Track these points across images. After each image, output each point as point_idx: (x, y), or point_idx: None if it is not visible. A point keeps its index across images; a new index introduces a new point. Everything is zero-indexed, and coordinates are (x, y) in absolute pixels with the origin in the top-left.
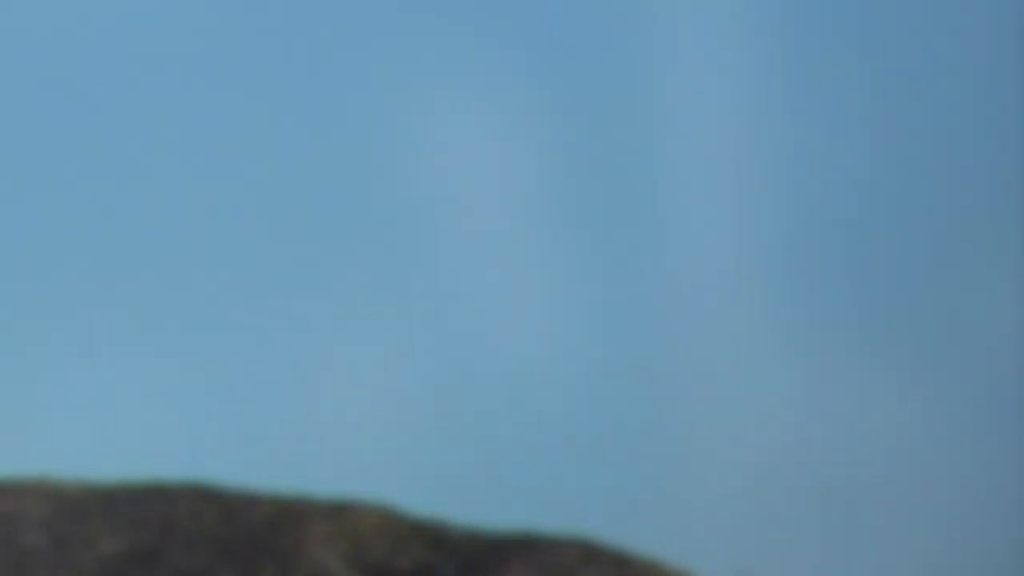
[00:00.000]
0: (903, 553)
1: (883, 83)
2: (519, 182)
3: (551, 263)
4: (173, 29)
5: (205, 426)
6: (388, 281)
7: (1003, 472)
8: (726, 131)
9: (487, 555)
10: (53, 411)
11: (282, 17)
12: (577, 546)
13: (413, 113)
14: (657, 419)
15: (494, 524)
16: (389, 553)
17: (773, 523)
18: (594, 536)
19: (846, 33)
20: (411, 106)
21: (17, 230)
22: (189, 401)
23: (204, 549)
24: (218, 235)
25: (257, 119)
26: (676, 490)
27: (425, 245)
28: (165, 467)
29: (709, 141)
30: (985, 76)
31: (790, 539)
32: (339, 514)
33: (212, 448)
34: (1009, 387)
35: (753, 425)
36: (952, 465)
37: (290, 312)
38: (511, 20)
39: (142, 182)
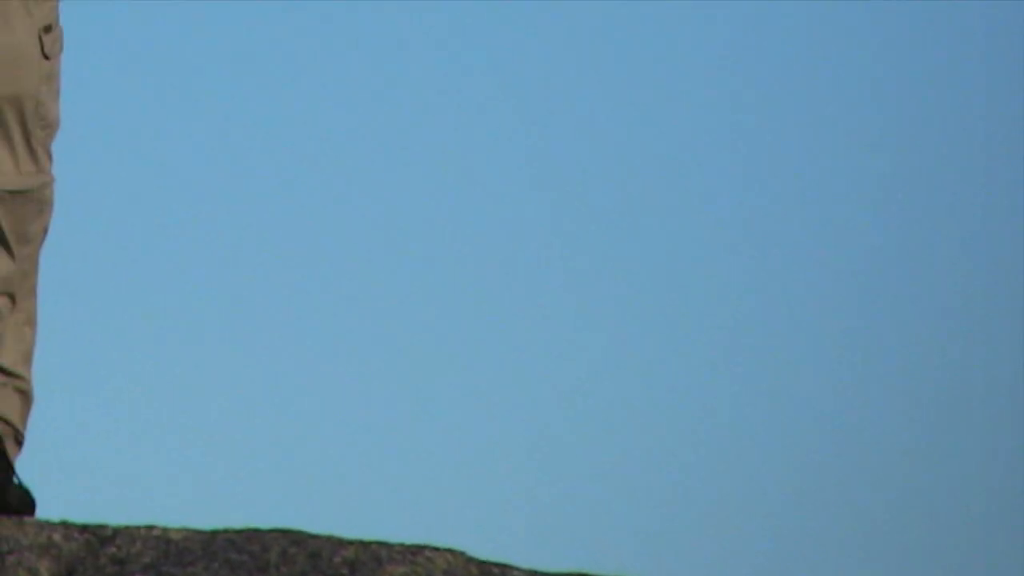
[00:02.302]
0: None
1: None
2: None
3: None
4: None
5: (296, 475)
6: (460, 325)
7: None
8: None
9: None
10: (159, 464)
11: None
12: None
13: None
14: (722, 463)
15: (555, 566)
16: None
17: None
18: None
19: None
20: None
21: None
22: (281, 452)
23: None
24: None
25: None
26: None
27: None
28: (259, 514)
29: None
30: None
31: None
32: (414, 556)
33: (301, 495)
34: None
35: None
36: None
37: (369, 367)
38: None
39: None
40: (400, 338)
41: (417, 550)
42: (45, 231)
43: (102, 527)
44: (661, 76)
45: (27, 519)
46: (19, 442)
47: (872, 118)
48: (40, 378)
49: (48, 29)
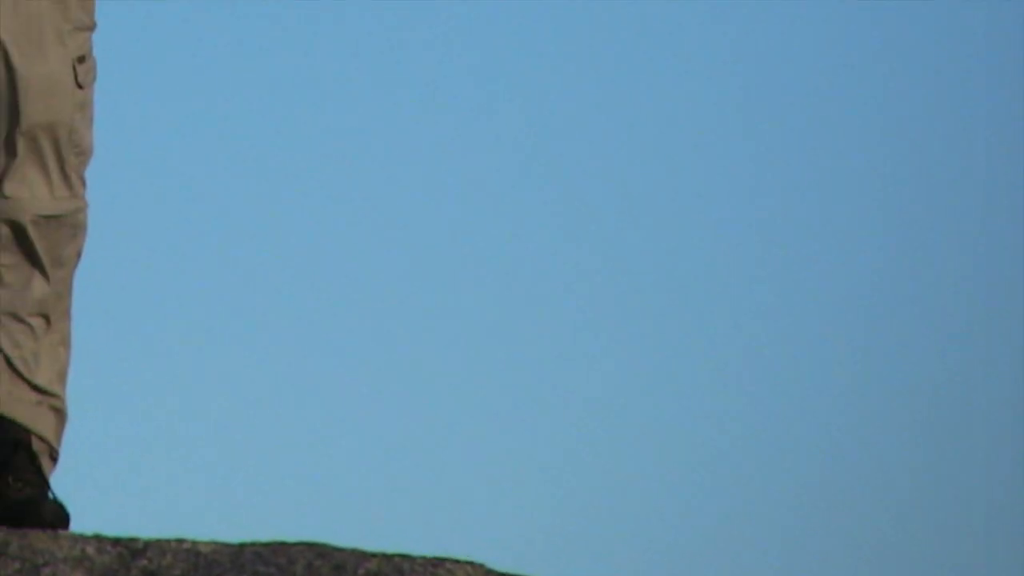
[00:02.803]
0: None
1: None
2: None
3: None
4: None
5: (321, 490)
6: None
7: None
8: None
9: None
10: (189, 479)
11: None
12: None
13: None
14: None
15: None
16: None
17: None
18: None
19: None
20: None
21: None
22: (307, 468)
23: None
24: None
25: None
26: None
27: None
28: (285, 528)
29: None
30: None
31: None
32: (435, 568)
33: (326, 509)
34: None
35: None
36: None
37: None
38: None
39: None
40: (423, 355)
41: (438, 562)
42: (79, 255)
43: (134, 540)
44: (662, 76)
45: (62, 533)
46: (54, 458)
47: (875, 119)
48: (74, 397)
49: (82, 59)
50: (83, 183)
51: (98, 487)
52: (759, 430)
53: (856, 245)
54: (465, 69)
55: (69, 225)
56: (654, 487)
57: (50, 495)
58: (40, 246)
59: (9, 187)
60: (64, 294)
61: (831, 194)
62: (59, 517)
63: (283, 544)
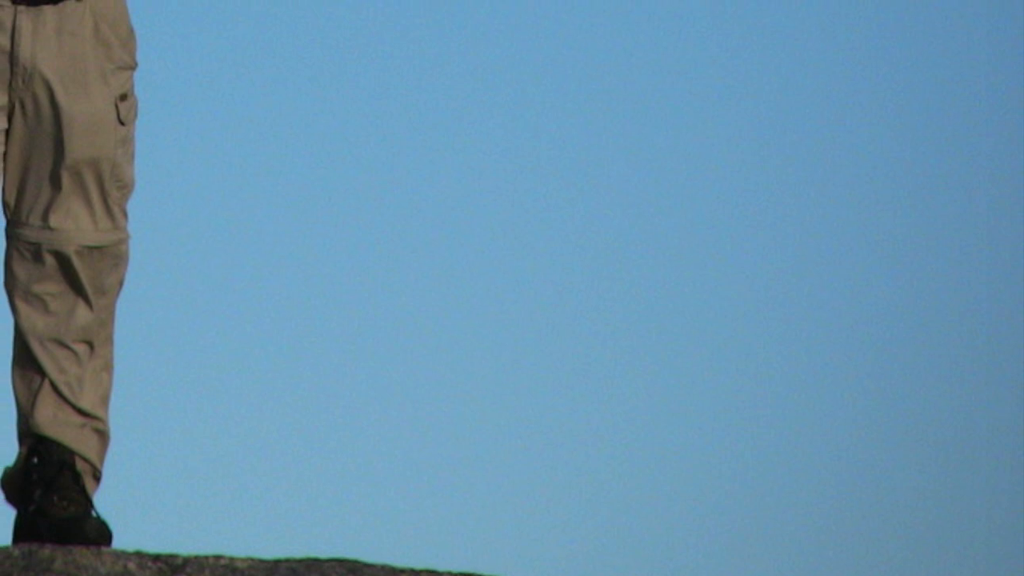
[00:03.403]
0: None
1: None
2: None
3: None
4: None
5: (353, 507)
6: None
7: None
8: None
9: None
10: (226, 497)
11: None
12: None
13: None
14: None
15: None
16: None
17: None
18: None
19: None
20: None
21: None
22: (339, 486)
23: None
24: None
25: None
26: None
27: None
28: (319, 544)
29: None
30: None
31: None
32: None
33: (358, 526)
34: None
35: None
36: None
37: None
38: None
39: None
40: (456, 377)
41: None
42: (121, 283)
43: (173, 556)
44: (662, 77)
45: (104, 549)
46: (97, 478)
47: (877, 119)
48: (116, 419)
49: (124, 97)
50: (125, 215)
51: (139, 505)
52: (760, 432)
53: (859, 245)
54: (467, 69)
55: (112, 255)
56: (675, 505)
57: (94, 513)
58: (84, 275)
59: (55, 219)
60: (107, 321)
61: (832, 194)
62: (102, 534)
63: (316, 560)
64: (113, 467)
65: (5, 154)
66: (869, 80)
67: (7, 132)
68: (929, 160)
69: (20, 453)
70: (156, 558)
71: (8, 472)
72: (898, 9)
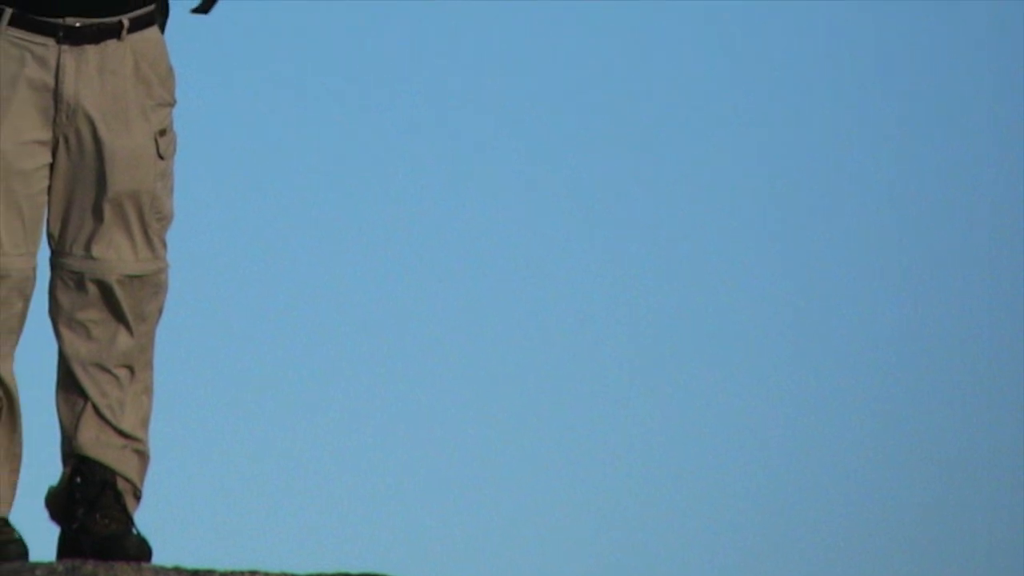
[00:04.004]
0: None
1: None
2: None
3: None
4: None
5: (383, 523)
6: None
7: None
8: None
9: None
10: (260, 514)
11: None
12: None
13: None
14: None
15: None
16: None
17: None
18: None
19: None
20: None
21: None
22: (369, 502)
23: None
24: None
25: None
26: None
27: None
28: (349, 558)
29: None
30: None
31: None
32: None
33: (387, 540)
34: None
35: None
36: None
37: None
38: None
39: None
40: (484, 394)
41: None
42: (160, 311)
43: (210, 571)
44: (663, 76)
45: (144, 565)
46: (137, 497)
47: (880, 120)
48: (155, 440)
49: (163, 133)
50: (164, 246)
51: (178, 522)
52: (761, 432)
53: (862, 246)
54: (470, 69)
55: (152, 284)
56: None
57: (134, 530)
58: (125, 303)
59: (97, 249)
60: (147, 347)
61: (832, 194)
62: (143, 550)
63: (347, 575)
64: (153, 486)
65: (50, 187)
66: (876, 83)
67: (51, 166)
68: (932, 162)
69: (64, 473)
70: (194, 573)
71: (53, 491)
72: (900, 10)
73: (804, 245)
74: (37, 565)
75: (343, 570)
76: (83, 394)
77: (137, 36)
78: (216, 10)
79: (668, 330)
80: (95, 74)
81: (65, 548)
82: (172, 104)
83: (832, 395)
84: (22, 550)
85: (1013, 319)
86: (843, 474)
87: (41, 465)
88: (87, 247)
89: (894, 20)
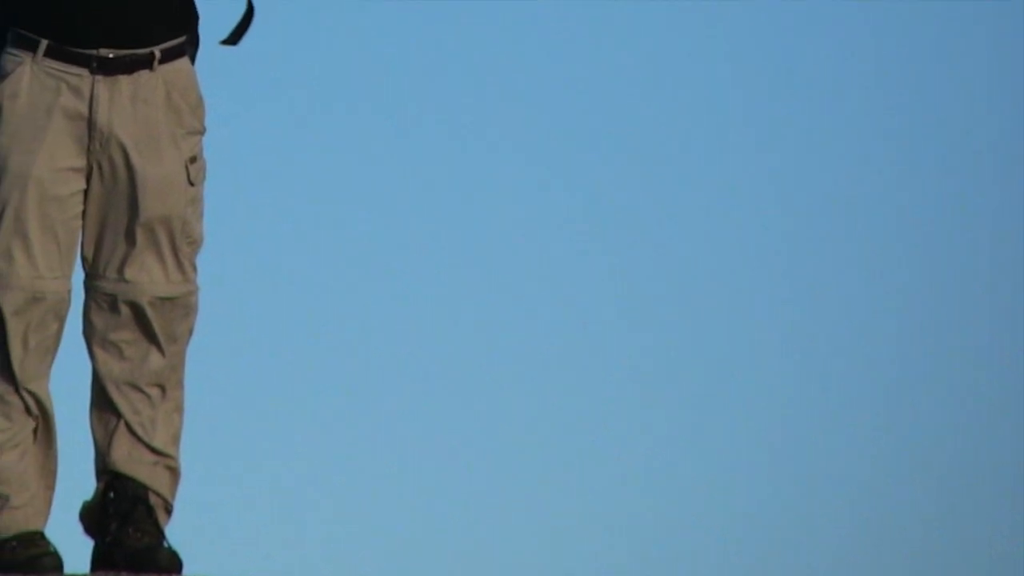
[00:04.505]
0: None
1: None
2: None
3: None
4: None
5: (411, 539)
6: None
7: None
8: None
9: None
10: (287, 528)
11: None
12: None
13: None
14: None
15: None
16: None
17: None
18: None
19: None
20: None
21: None
22: (396, 517)
23: None
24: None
25: None
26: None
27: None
28: (376, 571)
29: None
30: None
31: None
32: None
33: (414, 555)
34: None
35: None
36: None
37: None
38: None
39: None
40: (482, 391)
41: None
42: (191, 332)
43: None
44: (664, 77)
45: None
46: (168, 511)
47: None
48: (186, 456)
49: (193, 160)
50: (195, 269)
51: (207, 536)
52: (764, 432)
53: (866, 245)
54: (473, 68)
55: (182, 306)
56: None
57: (166, 544)
58: (156, 324)
59: (129, 272)
60: (178, 366)
61: (834, 194)
62: (174, 563)
63: None
64: (183, 500)
65: (84, 212)
66: (877, 83)
67: (86, 192)
68: (933, 161)
69: (98, 488)
70: None
71: (87, 506)
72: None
73: (805, 245)
74: None
75: None
76: (116, 412)
77: (168, 67)
78: (244, 42)
79: (668, 330)
80: (128, 103)
81: (99, 561)
82: (202, 132)
83: (833, 395)
84: (57, 563)
85: (1013, 319)
86: (845, 474)
87: (75, 480)
88: (120, 270)
89: (895, 20)
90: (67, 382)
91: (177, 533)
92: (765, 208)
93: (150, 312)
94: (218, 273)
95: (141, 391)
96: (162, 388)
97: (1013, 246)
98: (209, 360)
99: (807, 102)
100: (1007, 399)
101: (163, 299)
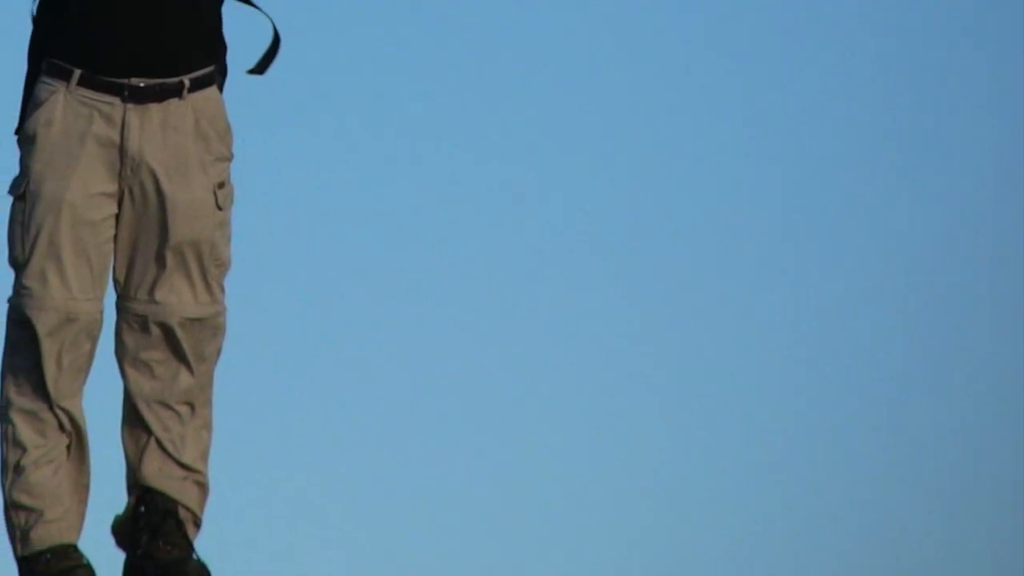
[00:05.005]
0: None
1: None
2: None
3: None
4: None
5: (433, 554)
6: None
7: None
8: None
9: None
10: (312, 541)
11: None
12: None
13: None
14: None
15: None
16: None
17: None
18: None
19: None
20: None
21: None
22: (419, 531)
23: None
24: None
25: None
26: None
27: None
28: None
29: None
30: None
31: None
32: None
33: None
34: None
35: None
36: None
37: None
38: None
39: None
40: (482, 392)
41: None
42: (219, 351)
43: None
44: (665, 77)
45: None
46: (197, 525)
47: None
48: (215, 472)
49: (221, 185)
50: (223, 290)
51: (235, 549)
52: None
53: (869, 248)
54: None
55: (211, 326)
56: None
57: (194, 556)
58: (186, 344)
59: (160, 294)
60: (206, 385)
61: (835, 193)
62: (202, 575)
63: None
64: (211, 514)
65: (116, 236)
66: (876, 84)
67: (117, 217)
68: (932, 163)
69: (129, 503)
70: None
71: (119, 520)
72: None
73: (805, 245)
74: None
75: None
76: (147, 429)
77: (197, 95)
78: (271, 71)
79: (667, 331)
80: (158, 131)
81: (130, 573)
82: (230, 159)
83: (833, 396)
84: (90, 574)
85: (1014, 319)
86: (844, 474)
87: (108, 495)
88: (151, 292)
89: (896, 20)
90: (100, 400)
91: (205, 546)
92: (765, 208)
93: (180, 332)
94: (246, 295)
95: (171, 409)
96: (191, 406)
97: (1014, 246)
98: (236, 377)
99: (812, 103)
100: (1007, 399)
101: (192, 320)
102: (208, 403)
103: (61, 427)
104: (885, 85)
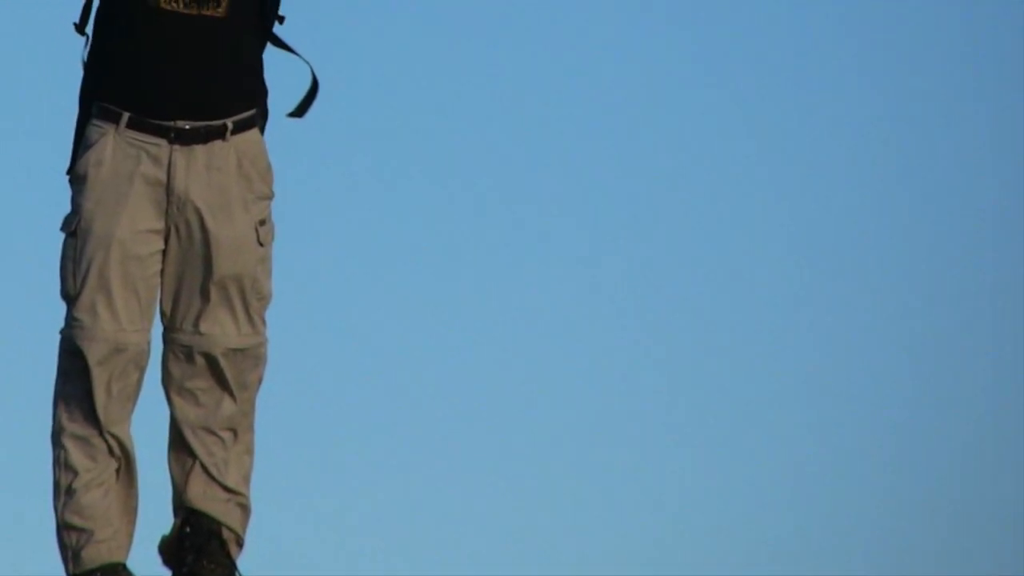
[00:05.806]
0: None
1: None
2: None
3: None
4: None
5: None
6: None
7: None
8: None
9: None
10: (351, 560)
11: None
12: None
13: None
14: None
15: None
16: None
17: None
18: None
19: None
20: None
21: None
22: (443, 546)
23: None
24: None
25: None
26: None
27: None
28: None
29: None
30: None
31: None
32: None
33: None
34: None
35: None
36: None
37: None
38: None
39: None
40: (482, 393)
41: None
42: (260, 380)
43: None
44: (666, 76)
45: None
46: (240, 545)
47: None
48: (256, 495)
49: (263, 223)
50: (264, 322)
51: (275, 568)
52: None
53: (871, 248)
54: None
55: (252, 356)
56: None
57: (237, 575)
58: (229, 373)
59: (204, 326)
60: (248, 412)
61: (835, 193)
62: None
63: None
64: (253, 535)
65: (162, 271)
66: (876, 84)
67: (164, 252)
68: (933, 163)
69: (175, 524)
70: None
71: (165, 539)
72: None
73: (807, 245)
74: None
75: None
76: (192, 454)
77: (240, 137)
78: (310, 114)
79: (668, 331)
80: (203, 171)
81: None
82: (270, 197)
83: (836, 396)
84: None
85: (1014, 319)
86: (845, 475)
87: (155, 516)
88: (196, 324)
89: (895, 20)
90: (147, 426)
91: (248, 565)
92: (766, 209)
93: (223, 362)
94: (285, 326)
95: (215, 434)
96: (234, 432)
97: (1014, 247)
98: (277, 405)
99: (814, 104)
100: (1008, 399)
101: (235, 350)
102: (250, 429)
103: (111, 452)
104: (885, 85)
